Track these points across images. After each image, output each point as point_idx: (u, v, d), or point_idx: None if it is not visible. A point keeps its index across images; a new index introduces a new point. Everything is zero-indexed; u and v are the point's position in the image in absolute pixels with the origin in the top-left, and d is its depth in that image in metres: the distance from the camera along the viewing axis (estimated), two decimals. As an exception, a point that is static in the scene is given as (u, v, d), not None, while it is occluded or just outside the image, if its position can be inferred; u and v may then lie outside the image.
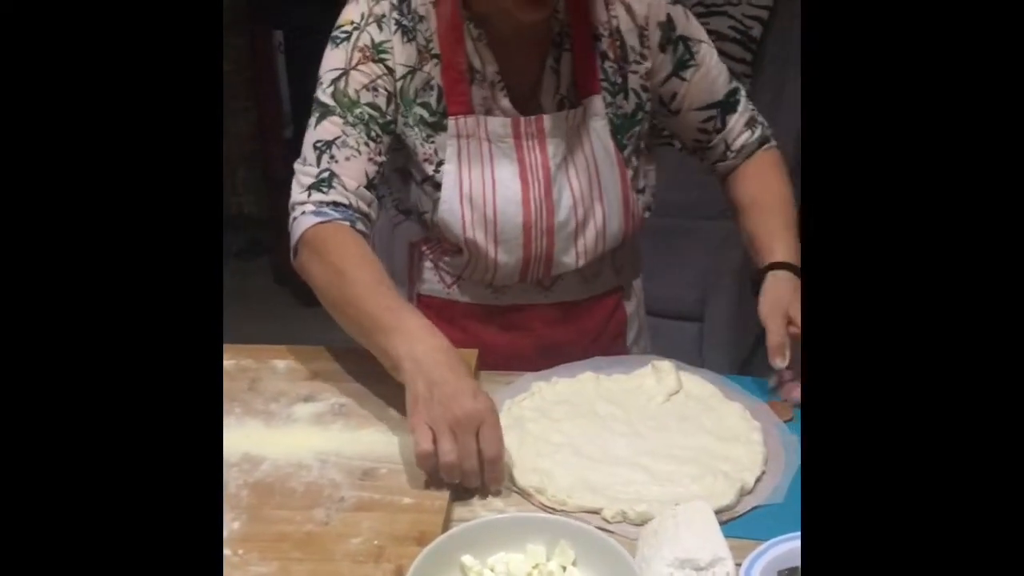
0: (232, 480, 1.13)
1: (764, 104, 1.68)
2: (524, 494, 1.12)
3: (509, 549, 1.01)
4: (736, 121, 1.46)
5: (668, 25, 1.40)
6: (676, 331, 2.47)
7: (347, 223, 1.29)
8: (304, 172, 1.33)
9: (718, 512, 1.04)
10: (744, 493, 1.10)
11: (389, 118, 1.35)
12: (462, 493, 1.11)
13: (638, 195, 1.45)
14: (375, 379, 1.26)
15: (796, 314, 1.25)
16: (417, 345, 1.14)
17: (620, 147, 1.40)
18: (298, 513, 1.08)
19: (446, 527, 1.06)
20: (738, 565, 0.95)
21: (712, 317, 2.50)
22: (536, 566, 0.99)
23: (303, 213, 1.31)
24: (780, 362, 1.24)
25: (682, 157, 3.00)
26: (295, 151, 1.38)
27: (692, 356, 2.41)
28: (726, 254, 2.52)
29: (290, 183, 1.35)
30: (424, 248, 1.46)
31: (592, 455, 1.16)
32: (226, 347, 1.30)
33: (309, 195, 1.31)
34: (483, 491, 1.11)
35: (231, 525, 1.07)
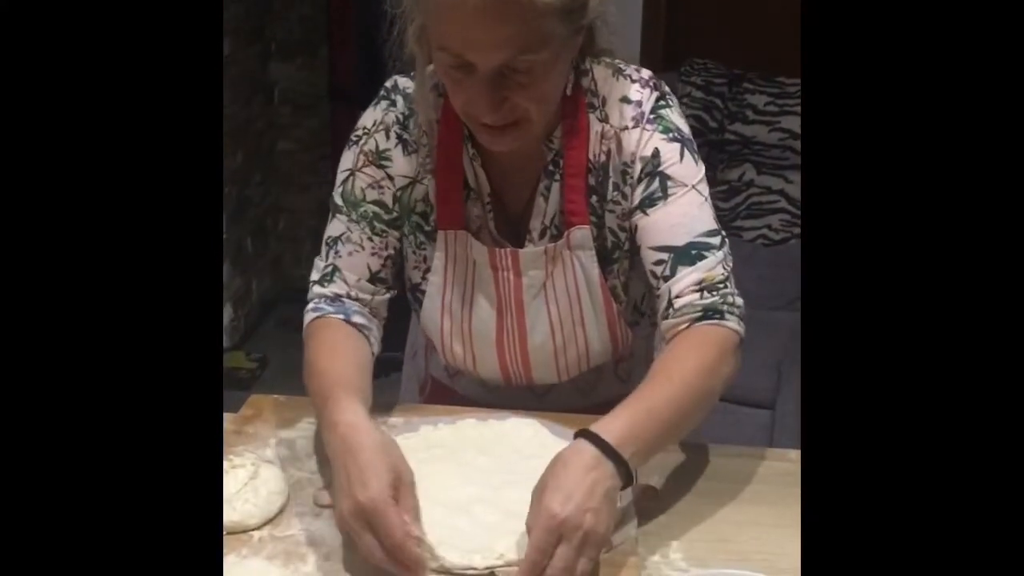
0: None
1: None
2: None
3: None
4: (688, 275, 1.28)
5: (652, 159, 1.31)
6: (747, 417, 2.52)
7: (340, 316, 1.36)
8: (315, 267, 1.41)
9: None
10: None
11: (395, 215, 1.40)
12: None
13: (631, 320, 1.42)
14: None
15: (552, 504, 1.05)
16: (336, 440, 1.15)
17: (605, 278, 1.37)
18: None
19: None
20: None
21: (783, 405, 2.55)
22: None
23: (306, 310, 1.39)
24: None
25: (753, 248, 3.08)
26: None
27: (763, 441, 2.46)
28: (797, 344, 2.58)
29: None
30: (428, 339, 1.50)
31: (434, 496, 1.17)
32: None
33: (312, 289, 1.39)
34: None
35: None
